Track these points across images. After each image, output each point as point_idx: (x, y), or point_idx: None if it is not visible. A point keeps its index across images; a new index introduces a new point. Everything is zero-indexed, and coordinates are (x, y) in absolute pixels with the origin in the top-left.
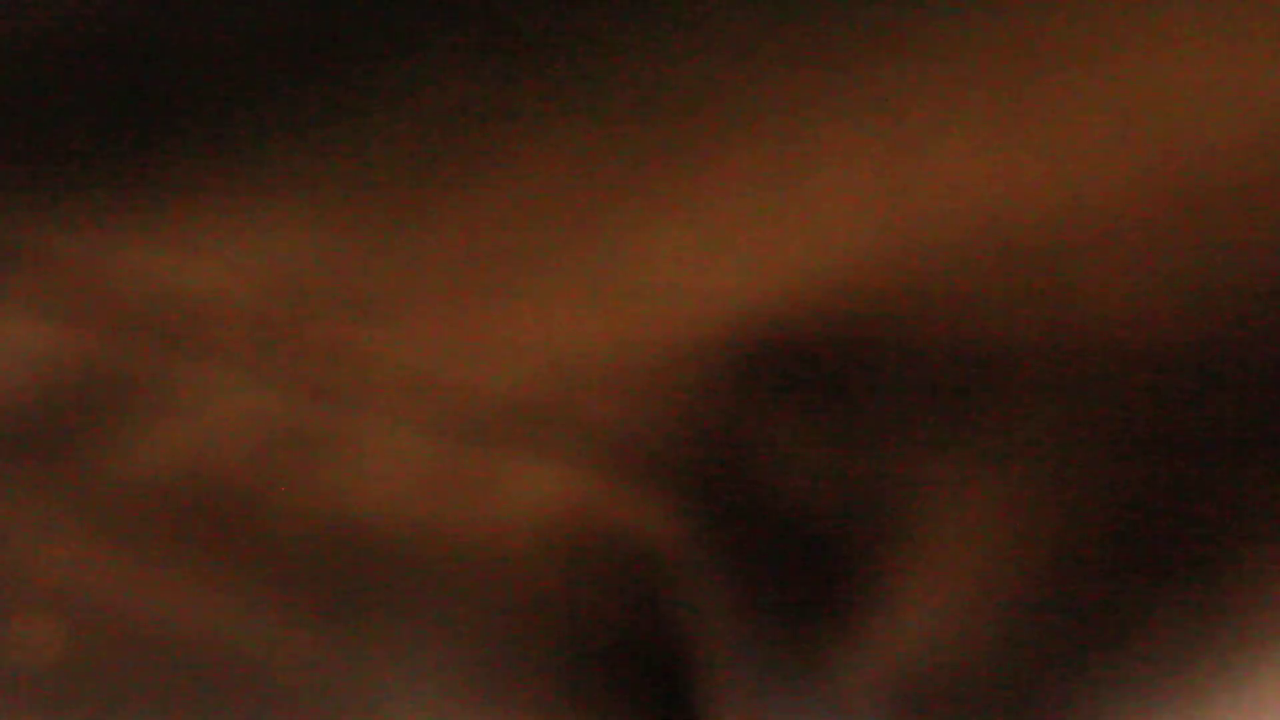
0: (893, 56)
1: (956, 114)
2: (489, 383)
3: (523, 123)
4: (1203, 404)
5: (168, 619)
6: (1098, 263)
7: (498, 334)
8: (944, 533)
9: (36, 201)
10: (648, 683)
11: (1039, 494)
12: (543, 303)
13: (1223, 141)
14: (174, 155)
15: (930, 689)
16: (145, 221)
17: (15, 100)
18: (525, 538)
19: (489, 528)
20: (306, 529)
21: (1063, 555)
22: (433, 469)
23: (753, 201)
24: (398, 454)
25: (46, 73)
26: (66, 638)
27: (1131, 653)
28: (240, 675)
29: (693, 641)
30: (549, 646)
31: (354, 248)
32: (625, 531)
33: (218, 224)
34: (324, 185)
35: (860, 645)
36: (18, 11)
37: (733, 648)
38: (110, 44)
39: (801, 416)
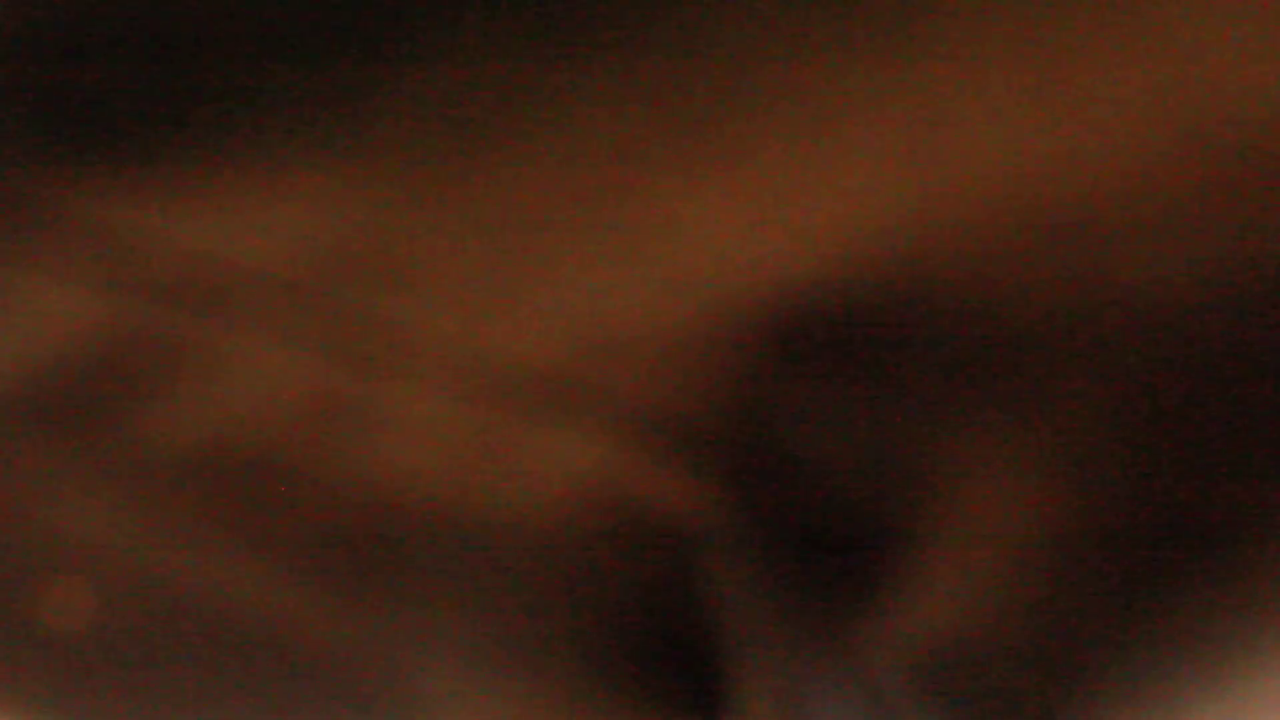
0: (928, 32)
1: (990, 90)
2: (522, 352)
3: (559, 92)
4: (1231, 381)
5: (199, 586)
6: (1128, 239)
7: (531, 303)
8: (973, 508)
9: (73, 170)
10: (673, 656)
11: (1070, 470)
12: (577, 273)
13: (1252, 118)
14: (212, 124)
15: (959, 666)
16: (183, 190)
17: (52, 69)
18: (554, 508)
19: (518, 498)
20: (337, 496)
21: (1092, 531)
22: (464, 438)
23: (786, 175)
24: (429, 422)
25: (84, 41)
26: (99, 604)
27: (1161, 629)
28: (268, 643)
29: (720, 616)
30: (575, 619)
31: (390, 216)
32: (654, 503)
33: (254, 192)
34: (361, 154)
35: (888, 622)
36: None
37: (760, 623)
38: (148, 13)
39: (832, 391)
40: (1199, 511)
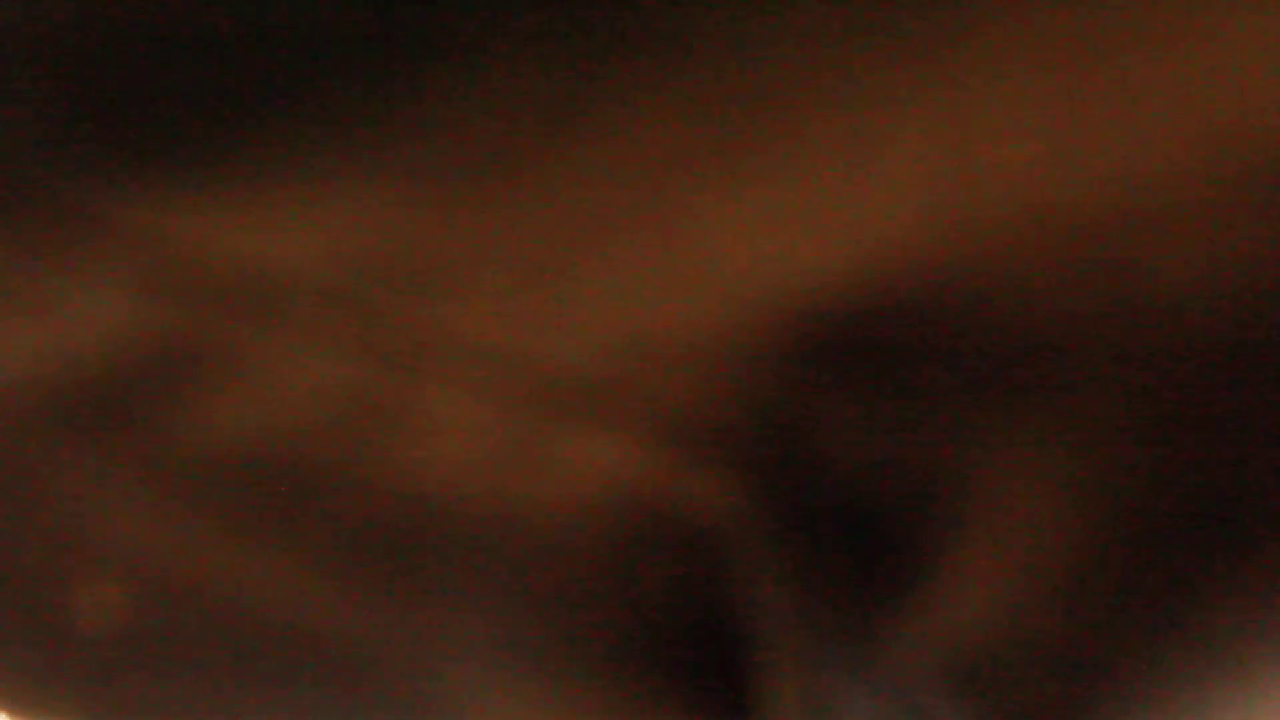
0: (959, 44)
1: (1022, 97)
2: (557, 356)
3: (600, 103)
4: (1260, 384)
5: (234, 588)
6: (1159, 245)
7: (566, 308)
8: (1001, 511)
9: (117, 177)
10: (703, 657)
11: (1095, 472)
12: (611, 278)
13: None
14: (254, 133)
15: (987, 667)
16: (226, 197)
17: (95, 75)
18: (587, 510)
19: (551, 499)
20: (372, 499)
21: (1120, 534)
22: (497, 441)
23: (820, 186)
24: (463, 426)
25: (132, 52)
26: (134, 605)
27: (1190, 632)
28: (302, 644)
29: (750, 617)
30: (606, 619)
31: (428, 222)
32: (685, 507)
33: (297, 200)
34: (400, 161)
35: (918, 623)
36: None
37: (790, 624)
38: (193, 23)
39: (863, 396)
40: (1226, 515)
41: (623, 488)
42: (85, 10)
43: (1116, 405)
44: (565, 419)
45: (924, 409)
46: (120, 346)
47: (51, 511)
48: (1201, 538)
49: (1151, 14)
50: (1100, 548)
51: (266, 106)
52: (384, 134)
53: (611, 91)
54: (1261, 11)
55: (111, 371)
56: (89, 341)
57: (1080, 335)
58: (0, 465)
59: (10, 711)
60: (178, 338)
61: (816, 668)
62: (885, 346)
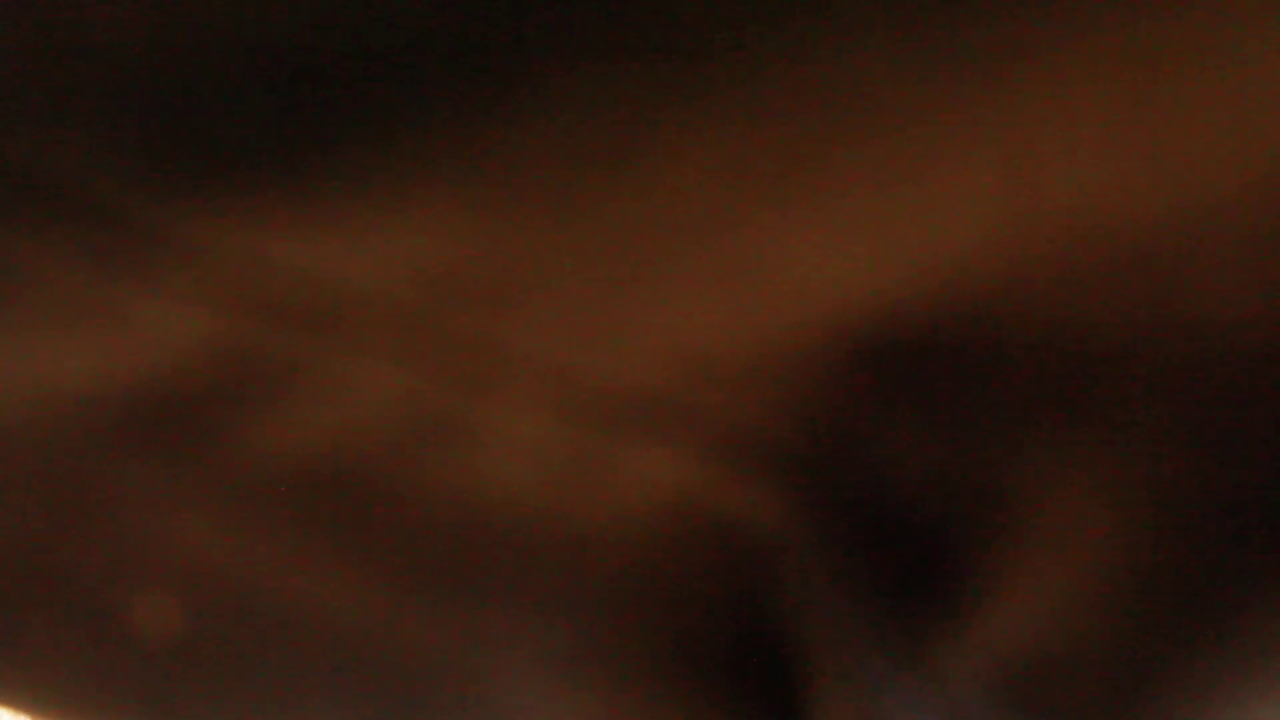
0: (1019, 63)
1: (1078, 120)
2: (613, 371)
3: (658, 126)
4: None
5: (296, 600)
6: (1206, 266)
7: (627, 325)
8: (1050, 525)
9: (185, 191)
10: (755, 670)
11: (1143, 489)
12: (669, 296)
13: None
14: (325, 149)
15: (1035, 679)
16: (297, 214)
17: (170, 92)
18: (643, 522)
19: (609, 512)
20: (433, 513)
21: (1166, 548)
22: (555, 454)
23: (875, 203)
24: (522, 439)
25: (204, 66)
26: (196, 615)
27: (1237, 644)
28: (361, 656)
29: (801, 628)
30: (660, 630)
31: (491, 239)
32: (738, 520)
33: (369, 217)
34: (470, 181)
35: (966, 635)
36: (177, 9)
37: (840, 635)
38: (266, 40)
39: (914, 411)
40: (1272, 525)
41: (678, 500)
42: (162, 27)
43: (1164, 419)
44: (622, 433)
45: (974, 424)
46: (188, 360)
47: (117, 522)
48: (1247, 548)
49: (1207, 42)
50: (1147, 559)
51: (344, 128)
52: (451, 154)
53: (673, 117)
54: None
55: (178, 384)
56: (157, 355)
57: (1130, 352)
58: (67, 476)
59: None
60: (244, 351)
61: (865, 678)
62: (937, 363)
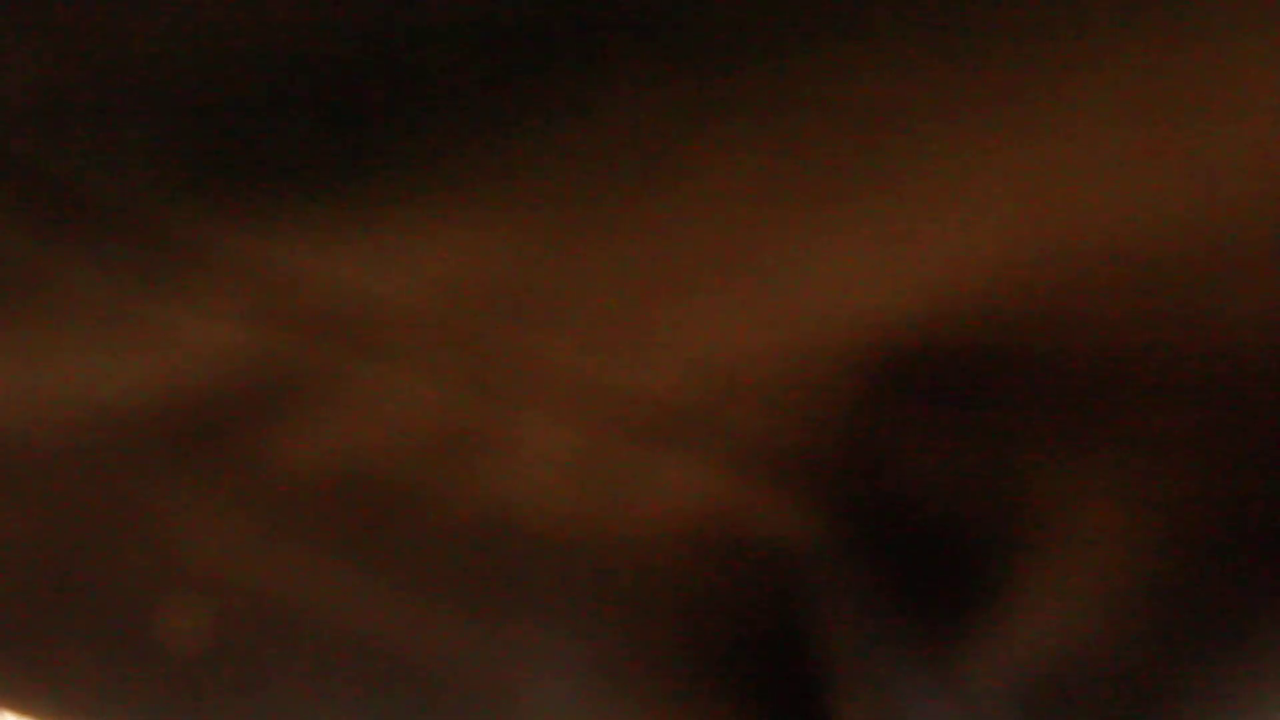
0: (1043, 86)
1: (1101, 141)
2: (642, 384)
3: (693, 144)
4: None
5: (324, 607)
6: (1228, 280)
7: (657, 340)
8: (1072, 536)
9: (227, 208)
10: (779, 675)
11: (1164, 500)
12: (697, 311)
13: None
14: (360, 167)
15: (1056, 687)
16: (333, 229)
17: (208, 109)
18: (670, 530)
19: (634, 523)
20: (463, 522)
21: (1186, 559)
22: (583, 465)
23: (900, 221)
24: (551, 450)
25: (242, 84)
26: (227, 621)
27: (1254, 654)
28: (388, 662)
29: (825, 635)
30: (686, 636)
31: (523, 255)
32: (763, 529)
33: (403, 233)
34: (503, 199)
35: (988, 642)
36: (220, 27)
37: (864, 642)
38: (305, 62)
39: (938, 423)
40: None
41: (704, 510)
42: (203, 51)
43: (1185, 432)
44: (650, 444)
45: (997, 437)
46: (225, 372)
47: (154, 531)
48: (1269, 559)
49: (1228, 69)
50: (1167, 569)
51: (372, 144)
52: (484, 172)
53: (703, 137)
54: None
55: (216, 396)
56: (194, 368)
57: (1151, 366)
58: (107, 486)
59: None
60: (279, 364)
61: (888, 685)
62: (960, 377)
